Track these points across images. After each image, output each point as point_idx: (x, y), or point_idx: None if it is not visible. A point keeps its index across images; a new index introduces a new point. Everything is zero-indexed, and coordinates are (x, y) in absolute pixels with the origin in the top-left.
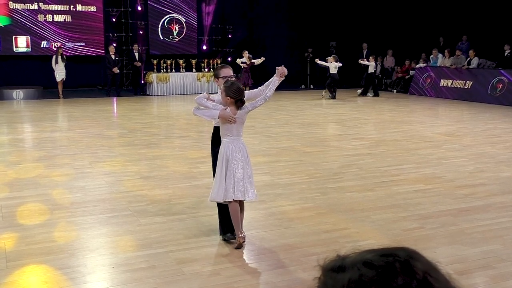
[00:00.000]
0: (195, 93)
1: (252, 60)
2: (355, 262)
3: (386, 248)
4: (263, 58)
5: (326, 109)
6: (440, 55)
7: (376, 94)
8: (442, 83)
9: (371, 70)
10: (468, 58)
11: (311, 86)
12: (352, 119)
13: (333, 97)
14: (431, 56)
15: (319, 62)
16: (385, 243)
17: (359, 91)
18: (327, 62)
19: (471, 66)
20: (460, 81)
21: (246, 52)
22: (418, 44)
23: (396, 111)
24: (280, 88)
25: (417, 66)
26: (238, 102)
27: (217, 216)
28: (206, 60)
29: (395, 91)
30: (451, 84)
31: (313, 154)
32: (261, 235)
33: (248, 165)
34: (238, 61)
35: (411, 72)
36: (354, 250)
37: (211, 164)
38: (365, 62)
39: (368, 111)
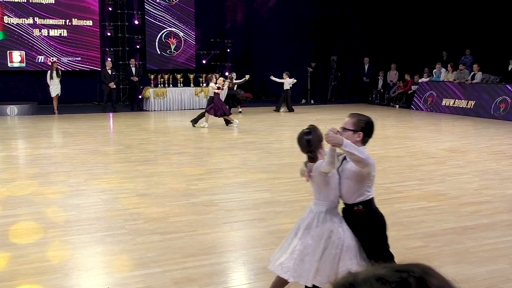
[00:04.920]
0: (192, 108)
1: (224, 82)
2: (367, 278)
3: (400, 264)
4: (247, 77)
5: (328, 125)
6: (443, 70)
7: (290, 109)
8: (444, 103)
9: (286, 86)
10: (472, 73)
11: (312, 101)
12: None
13: (291, 110)
14: (434, 70)
15: (273, 78)
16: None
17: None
18: (283, 79)
19: (474, 81)
20: (463, 100)
21: (232, 75)
22: (421, 58)
23: (398, 127)
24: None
25: (420, 80)
26: (308, 154)
27: (215, 234)
28: (204, 75)
29: (397, 106)
30: (453, 103)
31: None
32: (260, 254)
33: (319, 248)
34: (214, 86)
35: (413, 87)
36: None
37: (209, 181)
38: (276, 79)
39: None
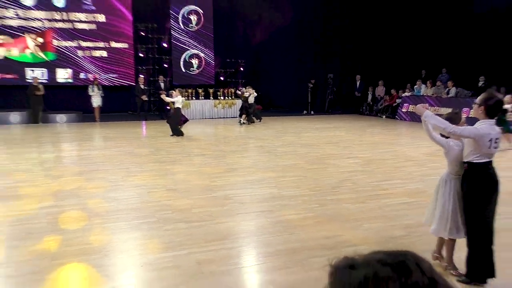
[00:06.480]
0: (212, 118)
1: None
2: (368, 261)
3: (393, 251)
4: (177, 97)
5: (325, 132)
6: (423, 86)
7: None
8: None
9: (251, 100)
10: (447, 88)
11: (312, 112)
12: (347, 141)
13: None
14: (415, 86)
15: (243, 93)
16: (376, 248)
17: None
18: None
19: (450, 95)
20: (441, 111)
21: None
22: (404, 75)
23: (385, 134)
24: (285, 113)
25: (403, 94)
26: None
27: (231, 223)
28: (221, 89)
29: (384, 116)
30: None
31: (314, 170)
32: (268, 240)
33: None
34: (169, 99)
35: (398, 101)
36: (355, 253)
37: (226, 178)
38: (246, 91)
39: (361, 134)
